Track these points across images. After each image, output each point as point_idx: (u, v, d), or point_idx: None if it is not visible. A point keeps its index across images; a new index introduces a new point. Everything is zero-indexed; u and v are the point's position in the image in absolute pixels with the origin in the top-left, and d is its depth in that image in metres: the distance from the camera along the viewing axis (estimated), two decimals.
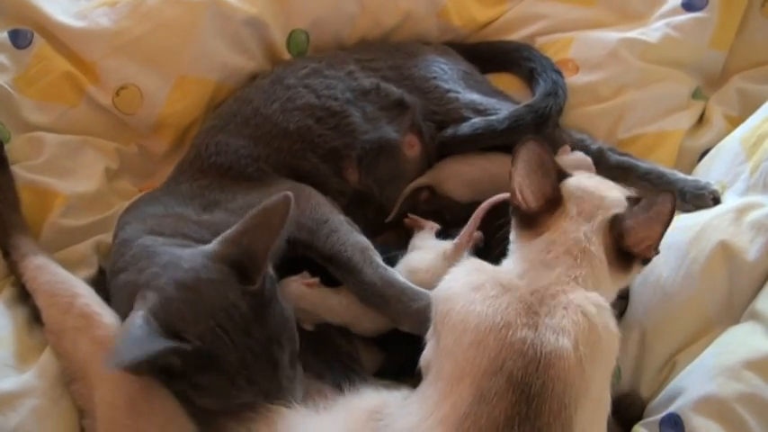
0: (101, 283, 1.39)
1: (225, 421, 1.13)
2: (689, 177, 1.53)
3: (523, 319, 1.01)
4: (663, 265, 1.34)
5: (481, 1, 1.91)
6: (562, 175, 1.24)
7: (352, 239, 1.37)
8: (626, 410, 1.28)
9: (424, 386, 1.06)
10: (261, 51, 1.73)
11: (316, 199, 1.42)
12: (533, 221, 1.19)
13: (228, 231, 1.18)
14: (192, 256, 1.18)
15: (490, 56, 1.83)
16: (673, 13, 1.78)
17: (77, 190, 1.51)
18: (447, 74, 1.67)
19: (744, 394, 1.11)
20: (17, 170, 1.48)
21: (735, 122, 1.64)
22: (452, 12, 1.85)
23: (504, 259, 1.20)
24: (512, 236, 1.23)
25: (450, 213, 1.57)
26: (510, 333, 1.00)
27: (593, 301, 1.06)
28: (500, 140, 1.56)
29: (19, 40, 1.58)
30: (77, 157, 1.56)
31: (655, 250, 1.17)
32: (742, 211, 1.33)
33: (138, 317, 1.08)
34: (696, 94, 1.76)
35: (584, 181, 1.23)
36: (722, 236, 1.30)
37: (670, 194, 1.14)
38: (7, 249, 1.37)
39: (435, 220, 1.54)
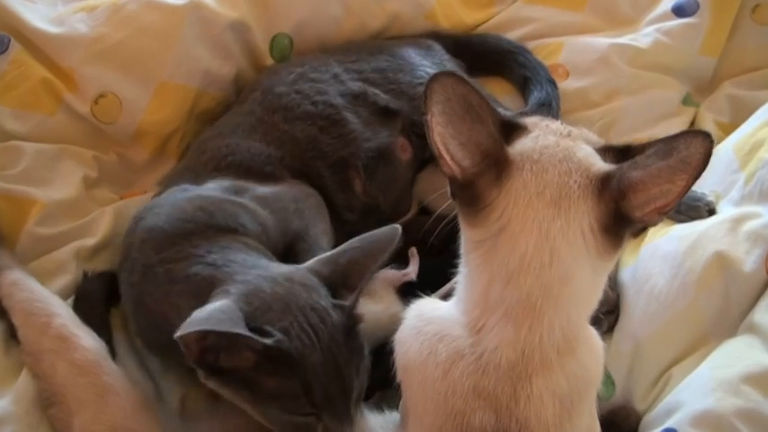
0: (86, 289, 1.36)
1: None
2: None
3: (480, 403, 0.91)
4: (657, 276, 1.32)
5: (469, 4, 1.89)
6: (508, 126, 0.96)
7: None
8: (621, 424, 1.26)
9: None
10: (243, 57, 1.69)
11: (321, 211, 1.41)
12: (473, 196, 0.93)
13: (325, 254, 1.14)
14: (284, 266, 1.13)
15: (481, 54, 1.80)
16: (663, 18, 1.78)
17: (55, 197, 1.46)
18: None
19: (743, 409, 1.09)
20: None
21: (726, 129, 1.63)
22: (440, 14, 1.83)
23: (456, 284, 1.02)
24: (462, 241, 1.00)
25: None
26: (465, 420, 0.92)
27: (567, 373, 0.92)
28: None
29: None
30: (55, 167, 1.51)
31: (664, 213, 0.90)
32: (738, 222, 1.31)
33: (217, 303, 1.02)
34: (686, 101, 1.75)
35: (542, 138, 0.95)
36: (718, 246, 1.28)
37: (701, 135, 0.85)
38: None
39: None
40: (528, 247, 0.90)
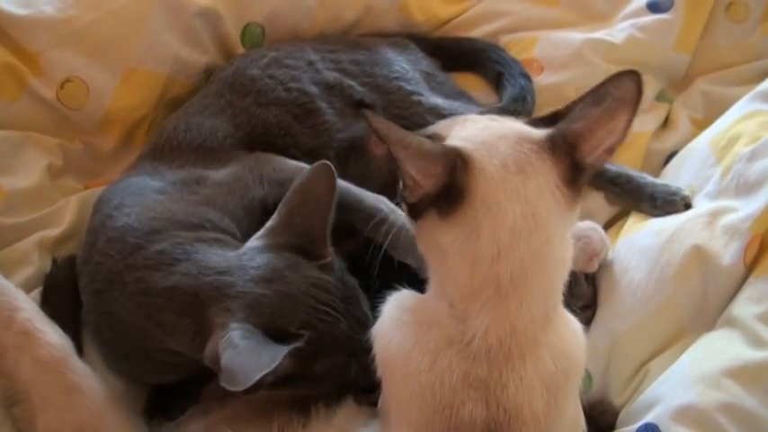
0: (55, 277, 1.33)
1: None
2: (659, 182, 1.50)
3: (470, 393, 0.91)
4: (635, 270, 1.32)
5: None
6: (431, 137, 0.98)
7: None
8: (598, 419, 1.25)
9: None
10: (214, 45, 1.65)
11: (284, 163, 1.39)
12: (454, 191, 0.94)
13: (272, 221, 1.13)
14: (249, 254, 1.10)
15: (456, 54, 1.79)
16: (637, 14, 1.78)
17: (18, 186, 1.42)
18: (409, 73, 1.62)
19: (724, 403, 1.09)
20: None
21: (699, 125, 1.65)
22: (414, 7, 1.82)
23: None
24: (427, 248, 1.01)
25: None
26: (454, 413, 0.91)
27: (551, 350, 0.93)
28: None
29: None
30: (18, 155, 1.46)
31: (613, 151, 0.96)
32: (715, 216, 1.31)
33: (235, 333, 0.98)
34: (660, 97, 1.75)
35: (468, 126, 1.01)
36: (696, 240, 1.28)
37: (628, 73, 0.91)
38: None
39: None
40: (515, 217, 0.92)
